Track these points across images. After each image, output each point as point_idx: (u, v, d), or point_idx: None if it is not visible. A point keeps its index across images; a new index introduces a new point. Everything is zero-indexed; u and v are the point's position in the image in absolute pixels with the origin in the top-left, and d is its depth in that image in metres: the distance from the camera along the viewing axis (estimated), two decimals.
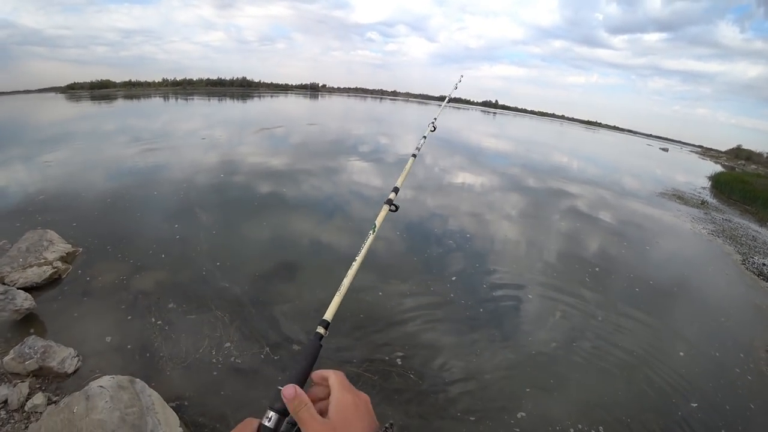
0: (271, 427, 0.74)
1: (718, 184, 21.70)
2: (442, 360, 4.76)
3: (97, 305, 5.01)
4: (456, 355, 4.88)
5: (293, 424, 0.74)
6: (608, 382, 4.76)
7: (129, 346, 4.42)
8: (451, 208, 10.36)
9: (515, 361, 4.90)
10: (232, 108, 35.52)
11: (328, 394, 0.75)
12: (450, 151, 19.52)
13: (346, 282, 1.19)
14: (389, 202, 1.68)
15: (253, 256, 6.56)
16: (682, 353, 5.47)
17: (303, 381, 0.81)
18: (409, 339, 5.01)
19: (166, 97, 43.16)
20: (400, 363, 4.59)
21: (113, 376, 3.57)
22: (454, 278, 6.58)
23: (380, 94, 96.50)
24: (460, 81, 4.16)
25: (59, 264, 5.60)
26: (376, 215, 1.44)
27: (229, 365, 4.28)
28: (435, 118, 2.93)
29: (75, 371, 4.07)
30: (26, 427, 3.38)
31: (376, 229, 1.46)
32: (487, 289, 6.38)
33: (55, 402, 3.67)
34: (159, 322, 4.78)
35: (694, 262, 9.22)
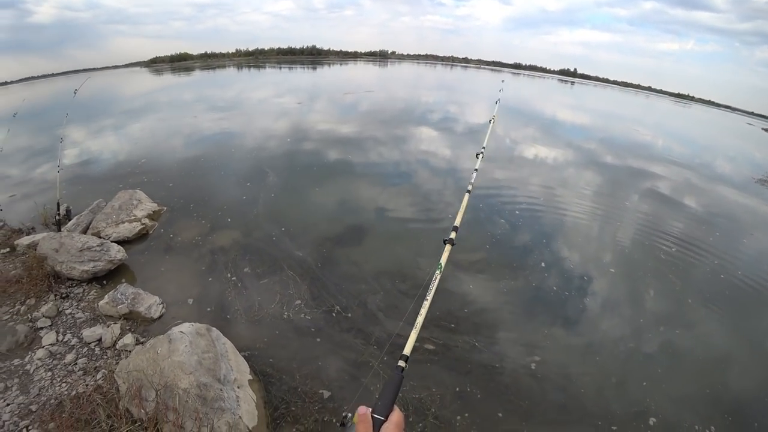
0: None
1: None
2: (505, 335, 4.58)
3: (179, 260, 5.36)
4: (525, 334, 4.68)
5: None
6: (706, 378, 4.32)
7: (207, 298, 4.68)
8: (521, 182, 9.65)
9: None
10: (302, 76, 36.07)
11: None
12: (523, 123, 18.23)
13: (420, 319, 1.39)
14: (450, 241, 1.81)
15: (322, 220, 6.64)
16: None
17: (388, 412, 0.97)
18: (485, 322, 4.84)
19: (239, 66, 44.81)
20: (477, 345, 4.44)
21: (192, 323, 3.78)
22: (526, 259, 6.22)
23: (451, 60, 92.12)
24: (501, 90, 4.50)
25: (147, 221, 6.04)
26: (440, 252, 1.70)
27: (299, 321, 4.39)
28: (484, 147, 2.94)
29: (159, 317, 4.40)
30: (117, 363, 3.69)
31: (442, 268, 1.64)
32: (555, 274, 5.94)
33: (142, 343, 3.97)
34: (233, 278, 5.00)
35: None
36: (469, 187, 2.40)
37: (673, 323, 5.05)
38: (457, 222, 2.02)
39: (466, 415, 3.60)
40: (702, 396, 4.09)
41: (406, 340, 1.36)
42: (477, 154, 2.90)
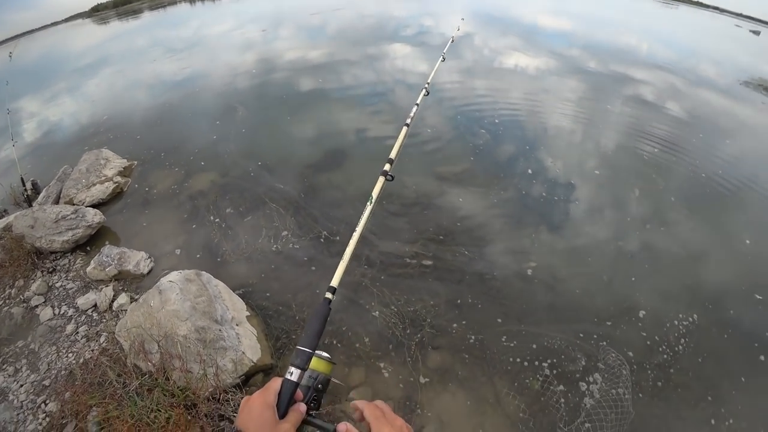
0: (295, 380, 0.88)
1: None
2: (497, 245, 4.56)
3: (159, 212, 5.23)
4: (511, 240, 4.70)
5: (315, 378, 0.92)
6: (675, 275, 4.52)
7: (193, 245, 4.62)
8: (501, 92, 9.06)
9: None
10: (263, 0, 33.25)
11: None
12: (499, 30, 16.75)
13: (348, 251, 1.36)
14: (384, 173, 1.78)
15: (300, 149, 6.37)
16: (748, 242, 5.08)
17: (315, 344, 0.96)
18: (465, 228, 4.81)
19: (192, 0, 41.27)
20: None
21: (181, 270, 3.73)
22: (506, 166, 6.06)
23: None
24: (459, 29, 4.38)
25: (119, 179, 5.81)
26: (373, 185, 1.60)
27: (288, 252, 4.36)
28: (428, 83, 2.78)
29: (149, 272, 4.37)
30: (116, 324, 3.71)
31: (373, 201, 1.60)
32: (542, 180, 5.83)
33: (136, 300, 3.97)
34: (217, 220, 4.90)
35: None
36: (408, 121, 2.30)
37: (657, 221, 5.21)
38: (393, 154, 1.92)
39: (463, 322, 3.68)
40: (685, 288, 4.37)
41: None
42: (422, 89, 2.74)
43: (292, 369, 0.89)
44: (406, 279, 4.02)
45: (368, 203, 1.60)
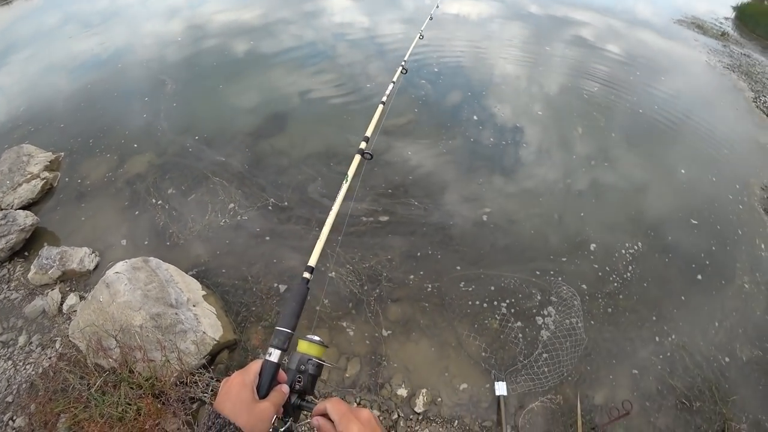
0: (275, 361, 0.86)
1: (743, 15, 17.40)
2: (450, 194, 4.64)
3: (96, 203, 4.95)
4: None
5: (304, 362, 0.88)
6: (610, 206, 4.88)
7: (139, 232, 4.45)
8: (446, 41, 8.78)
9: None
10: None
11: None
12: None
13: (325, 230, 1.31)
14: (361, 152, 1.69)
15: (238, 117, 6.06)
16: (683, 171, 5.52)
17: (294, 324, 0.96)
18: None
19: None
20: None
21: (126, 260, 3.61)
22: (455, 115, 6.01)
23: None
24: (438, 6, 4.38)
25: (47, 174, 5.42)
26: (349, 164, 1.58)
27: (237, 224, 4.28)
28: (405, 60, 2.81)
29: (96, 267, 4.21)
30: (69, 326, 3.60)
31: (348, 179, 1.54)
32: (489, 126, 5.86)
33: (85, 298, 3.83)
34: (160, 202, 4.71)
35: (703, 95, 8.24)
36: (383, 99, 2.26)
37: (601, 158, 5.52)
38: (369, 132, 1.83)
39: (421, 272, 3.77)
40: (629, 219, 4.73)
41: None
42: (399, 67, 2.72)
43: (271, 350, 0.88)
44: (360, 237, 4.04)
45: (344, 182, 1.54)
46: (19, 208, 4.87)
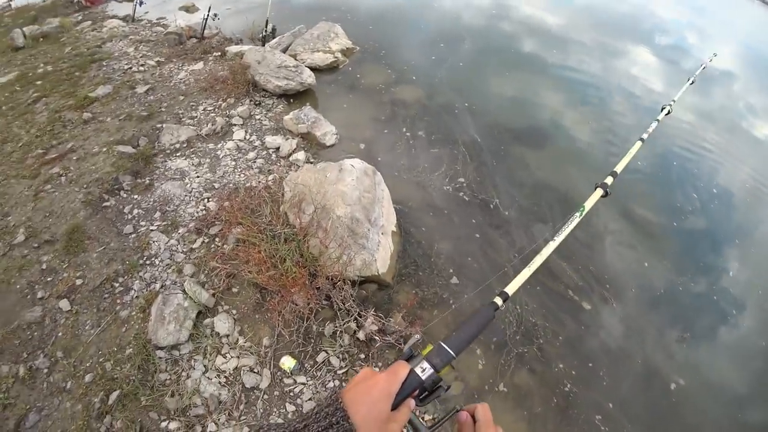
0: (423, 378, 0.77)
1: None
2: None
3: (360, 101, 5.38)
4: None
5: (436, 382, 0.78)
6: None
7: (377, 146, 4.68)
8: (733, 157, 6.46)
9: None
10: None
11: None
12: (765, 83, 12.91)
13: (539, 260, 1.20)
14: (603, 186, 1.56)
15: (505, 109, 5.91)
16: None
17: (462, 350, 0.84)
18: None
19: None
20: None
21: (362, 161, 3.77)
22: None
23: None
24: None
25: (339, 55, 6.06)
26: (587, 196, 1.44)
27: (457, 199, 4.15)
28: (674, 100, 2.64)
29: (332, 146, 4.56)
30: (287, 172, 3.96)
31: (584, 213, 1.44)
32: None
33: (312, 162, 4.16)
34: (408, 134, 4.86)
35: None
36: (644, 136, 2.13)
37: None
38: (619, 168, 1.71)
39: (573, 373, 3.12)
40: None
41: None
42: (663, 107, 2.57)
43: (426, 365, 0.79)
44: (545, 290, 3.58)
45: (577, 214, 1.44)
46: (308, 67, 5.52)
